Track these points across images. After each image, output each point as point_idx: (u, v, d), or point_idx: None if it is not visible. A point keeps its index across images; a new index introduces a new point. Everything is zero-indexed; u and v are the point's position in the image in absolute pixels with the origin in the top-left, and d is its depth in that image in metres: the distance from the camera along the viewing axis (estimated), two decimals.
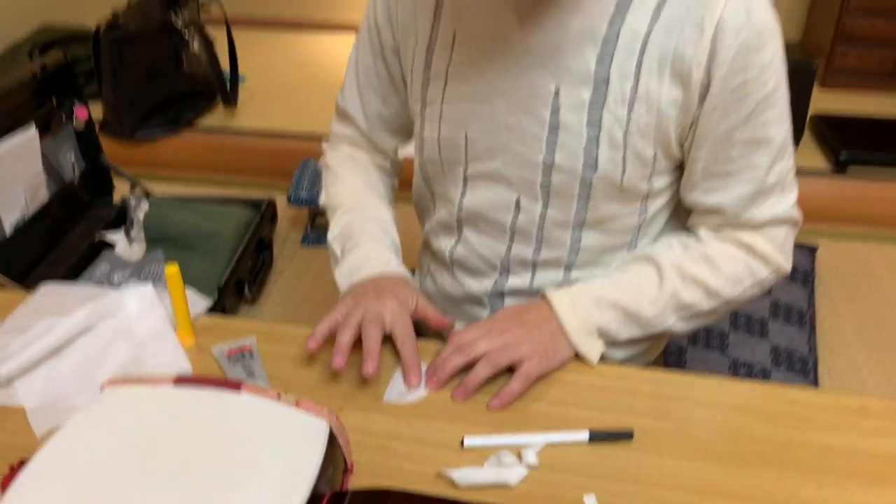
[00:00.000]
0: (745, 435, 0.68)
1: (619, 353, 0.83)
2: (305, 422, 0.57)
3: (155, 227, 1.58)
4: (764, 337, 1.46)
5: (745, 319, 1.50)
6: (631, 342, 0.83)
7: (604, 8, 0.72)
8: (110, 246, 1.59)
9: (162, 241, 1.56)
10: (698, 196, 0.80)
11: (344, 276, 0.85)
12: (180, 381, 0.60)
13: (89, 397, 0.70)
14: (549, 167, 0.78)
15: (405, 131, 0.97)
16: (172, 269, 0.77)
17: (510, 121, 0.78)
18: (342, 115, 0.97)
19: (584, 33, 0.73)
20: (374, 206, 0.93)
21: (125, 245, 1.57)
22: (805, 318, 1.54)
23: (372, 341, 0.72)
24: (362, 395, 0.72)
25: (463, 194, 0.86)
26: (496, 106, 0.79)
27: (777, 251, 0.81)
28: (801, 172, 2.21)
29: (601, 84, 0.73)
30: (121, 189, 1.77)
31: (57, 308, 0.83)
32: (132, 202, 1.66)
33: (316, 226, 2.04)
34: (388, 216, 0.93)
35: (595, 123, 0.74)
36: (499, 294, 0.89)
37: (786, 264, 0.82)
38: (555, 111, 0.75)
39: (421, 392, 0.73)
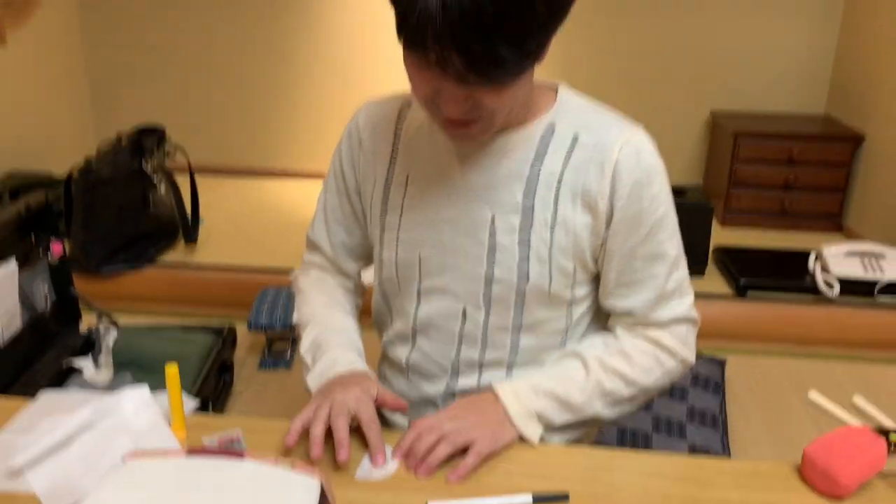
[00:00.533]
0: (659, 493, 0.80)
1: (556, 438, 0.95)
2: (300, 480, 0.68)
3: (123, 353, 1.66)
4: (682, 437, 1.61)
5: (666, 422, 1.66)
6: (566, 427, 0.93)
7: (526, 154, 0.90)
8: (78, 371, 1.66)
9: (129, 365, 1.64)
10: (613, 301, 0.95)
11: (315, 379, 0.95)
12: (192, 451, 0.71)
13: (97, 480, 0.79)
14: (489, 280, 0.92)
15: (366, 257, 1.09)
16: (172, 370, 0.89)
17: (456, 243, 0.93)
18: (311, 245, 1.10)
19: (511, 173, 0.90)
20: (340, 320, 1.04)
21: (92, 371, 1.64)
22: (718, 422, 1.70)
23: (341, 431, 0.81)
24: (337, 474, 0.81)
25: (417, 307, 0.98)
26: (444, 231, 0.93)
27: (681, 345, 0.95)
28: (707, 297, 2.49)
29: (528, 212, 0.90)
30: (87, 320, 1.86)
31: (58, 410, 0.92)
32: (101, 330, 1.74)
33: (272, 351, 2.14)
34: (353, 327, 1.04)
35: (525, 244, 0.90)
36: (451, 395, 1.00)
37: (689, 356, 0.96)
38: (492, 234, 0.91)
39: (387, 470, 0.82)
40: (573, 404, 0.92)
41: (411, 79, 0.81)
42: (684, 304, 0.95)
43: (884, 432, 0.84)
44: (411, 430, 0.85)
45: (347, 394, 0.86)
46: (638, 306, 0.93)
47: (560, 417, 0.92)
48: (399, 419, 1.07)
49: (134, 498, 0.66)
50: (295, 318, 1.08)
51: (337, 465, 0.83)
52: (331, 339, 0.99)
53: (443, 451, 0.83)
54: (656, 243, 0.91)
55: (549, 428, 0.92)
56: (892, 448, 0.83)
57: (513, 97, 0.81)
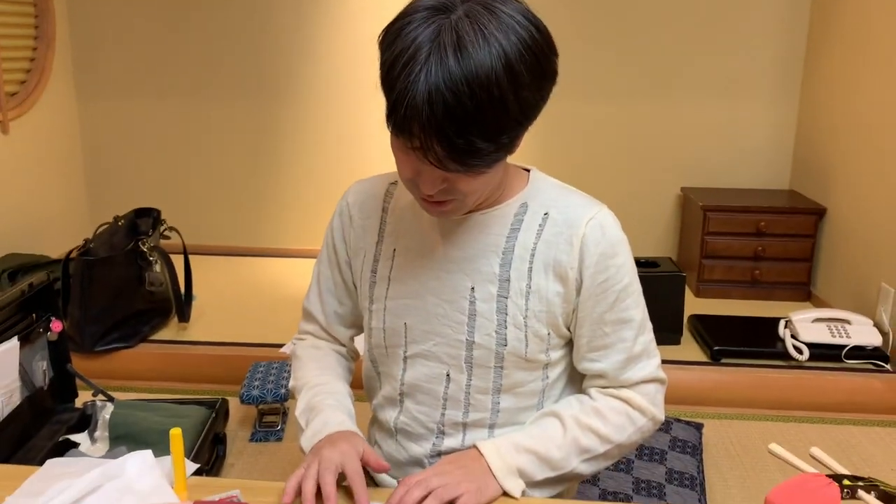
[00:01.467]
0: None
1: (538, 493, 0.99)
2: None
3: (119, 427, 1.71)
4: (661, 499, 1.66)
5: (646, 484, 1.71)
6: (546, 482, 0.98)
7: (502, 229, 0.98)
8: (74, 445, 1.70)
9: (125, 438, 1.68)
10: (586, 364, 1.01)
11: (307, 440, 0.99)
12: None
13: None
14: (470, 344, 0.98)
15: (357, 325, 1.15)
16: (176, 431, 0.95)
17: (439, 311, 0.99)
18: (306, 314, 1.16)
19: (489, 247, 0.97)
20: (332, 384, 1.08)
21: (89, 445, 1.68)
22: (696, 482, 1.75)
23: (328, 486, 0.86)
24: None
25: (404, 371, 1.03)
26: (428, 300, 1.00)
27: (650, 404, 1.01)
28: (683, 363, 2.57)
29: (504, 282, 0.97)
30: (83, 396, 1.90)
31: (65, 476, 0.97)
32: (97, 405, 1.79)
33: (263, 423, 2.18)
34: (344, 391, 1.08)
35: (502, 311, 0.97)
36: (437, 455, 1.04)
37: (659, 414, 1.02)
38: (472, 302, 0.98)
39: None
40: (552, 460, 0.97)
41: (396, 159, 0.91)
42: (651, 364, 1.02)
43: (837, 478, 0.91)
44: (401, 486, 0.89)
45: (335, 450, 0.91)
46: (609, 368, 1.00)
47: (540, 473, 0.97)
48: (386, 478, 1.12)
49: None
50: (291, 383, 1.13)
51: None
52: (323, 401, 1.03)
53: None
54: (622, 309, 0.98)
55: (530, 483, 0.97)
56: (845, 493, 0.90)
57: (485, 183, 0.90)
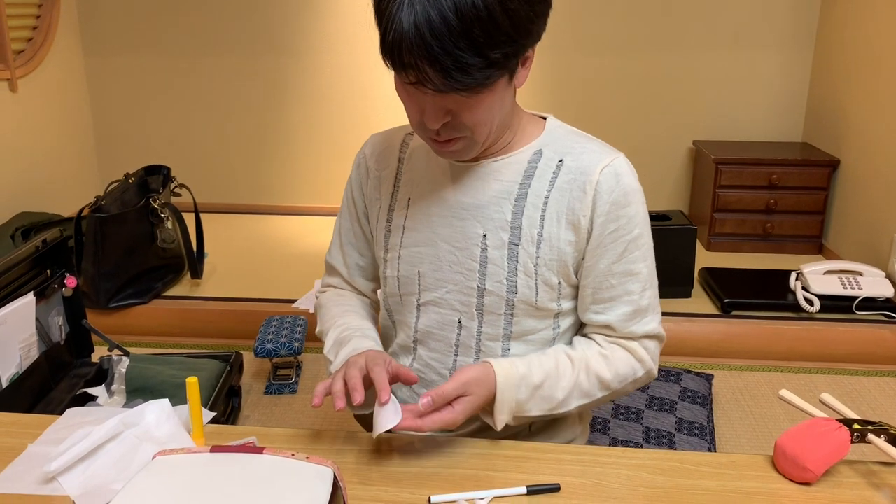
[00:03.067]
0: (644, 484, 0.86)
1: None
2: (315, 470, 0.75)
3: (135, 380, 1.74)
4: (671, 447, 1.68)
5: (655, 433, 1.73)
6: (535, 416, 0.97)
7: (515, 176, 0.98)
8: (92, 398, 1.73)
9: (142, 391, 1.72)
10: (591, 316, 1.01)
11: (336, 368, 1.00)
12: (216, 449, 0.78)
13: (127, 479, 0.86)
14: (481, 291, 0.99)
15: (378, 278, 1.16)
16: (192, 380, 0.96)
17: (451, 258, 1.00)
18: (329, 268, 1.18)
19: (501, 193, 0.98)
20: (357, 321, 1.09)
21: (106, 398, 1.71)
22: (706, 431, 1.77)
23: (353, 379, 0.87)
24: (346, 472, 0.88)
25: (417, 319, 1.05)
26: (440, 247, 1.01)
27: (650, 358, 1.02)
28: (693, 316, 2.57)
29: (516, 230, 0.97)
30: (98, 351, 1.93)
31: (85, 424, 0.99)
32: (113, 359, 1.82)
33: (277, 376, 2.21)
34: (370, 326, 1.09)
35: (514, 258, 0.97)
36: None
37: (654, 370, 1.03)
38: (483, 249, 0.98)
39: (392, 420, 0.86)
40: (553, 399, 0.97)
41: (402, 101, 0.91)
42: (655, 320, 1.02)
43: (847, 423, 0.92)
44: (452, 383, 0.89)
45: (362, 356, 0.92)
46: (614, 320, 1.00)
47: (537, 409, 0.96)
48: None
49: (166, 487, 0.73)
50: (318, 329, 1.14)
51: (345, 464, 0.89)
52: (350, 335, 1.05)
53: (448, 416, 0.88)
54: (630, 261, 0.98)
55: (523, 418, 0.96)
56: (855, 437, 0.90)
57: (487, 111, 0.89)
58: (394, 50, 0.82)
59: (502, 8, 0.80)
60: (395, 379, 0.93)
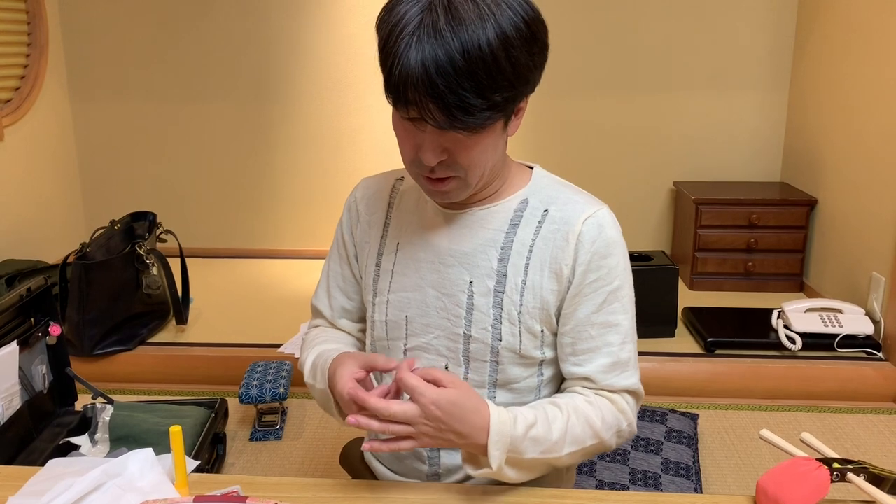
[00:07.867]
0: None
1: (512, 473, 0.92)
2: None
3: (119, 429, 1.72)
4: (658, 489, 1.68)
5: (642, 474, 1.73)
6: (526, 464, 0.93)
7: (502, 224, 1.00)
8: (75, 447, 1.71)
9: (126, 439, 1.70)
10: (570, 368, 1.00)
11: (321, 391, 1.02)
12: (199, 498, 0.78)
13: None
14: (467, 338, 1.00)
15: (364, 321, 1.17)
16: (176, 429, 0.97)
17: (438, 304, 1.01)
18: (314, 311, 1.19)
19: (488, 241, 0.99)
20: (333, 345, 1.10)
21: (89, 447, 1.69)
22: (692, 472, 1.78)
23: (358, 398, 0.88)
24: None
25: None
26: (428, 293, 1.02)
27: (630, 413, 1.01)
28: (677, 355, 2.59)
29: (501, 277, 0.98)
30: (82, 399, 1.92)
31: (67, 475, 0.98)
32: (97, 407, 1.80)
33: (263, 423, 2.20)
34: (346, 348, 1.10)
35: (498, 305, 0.98)
36: (437, 448, 1.04)
37: (635, 425, 1.03)
38: (470, 296, 0.99)
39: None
40: (548, 441, 0.93)
41: (398, 137, 0.93)
42: (635, 376, 1.02)
43: (827, 462, 0.93)
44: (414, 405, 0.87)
45: (338, 383, 0.93)
46: (594, 372, 0.99)
47: (531, 451, 0.92)
48: (386, 472, 1.14)
49: None
50: (299, 363, 1.14)
51: None
52: (328, 356, 1.03)
53: (406, 444, 0.88)
54: (610, 312, 0.98)
55: (515, 461, 0.92)
56: (835, 476, 0.92)
57: (482, 153, 0.92)
58: (399, 86, 0.84)
59: (506, 54, 0.84)
60: (372, 369, 0.94)
